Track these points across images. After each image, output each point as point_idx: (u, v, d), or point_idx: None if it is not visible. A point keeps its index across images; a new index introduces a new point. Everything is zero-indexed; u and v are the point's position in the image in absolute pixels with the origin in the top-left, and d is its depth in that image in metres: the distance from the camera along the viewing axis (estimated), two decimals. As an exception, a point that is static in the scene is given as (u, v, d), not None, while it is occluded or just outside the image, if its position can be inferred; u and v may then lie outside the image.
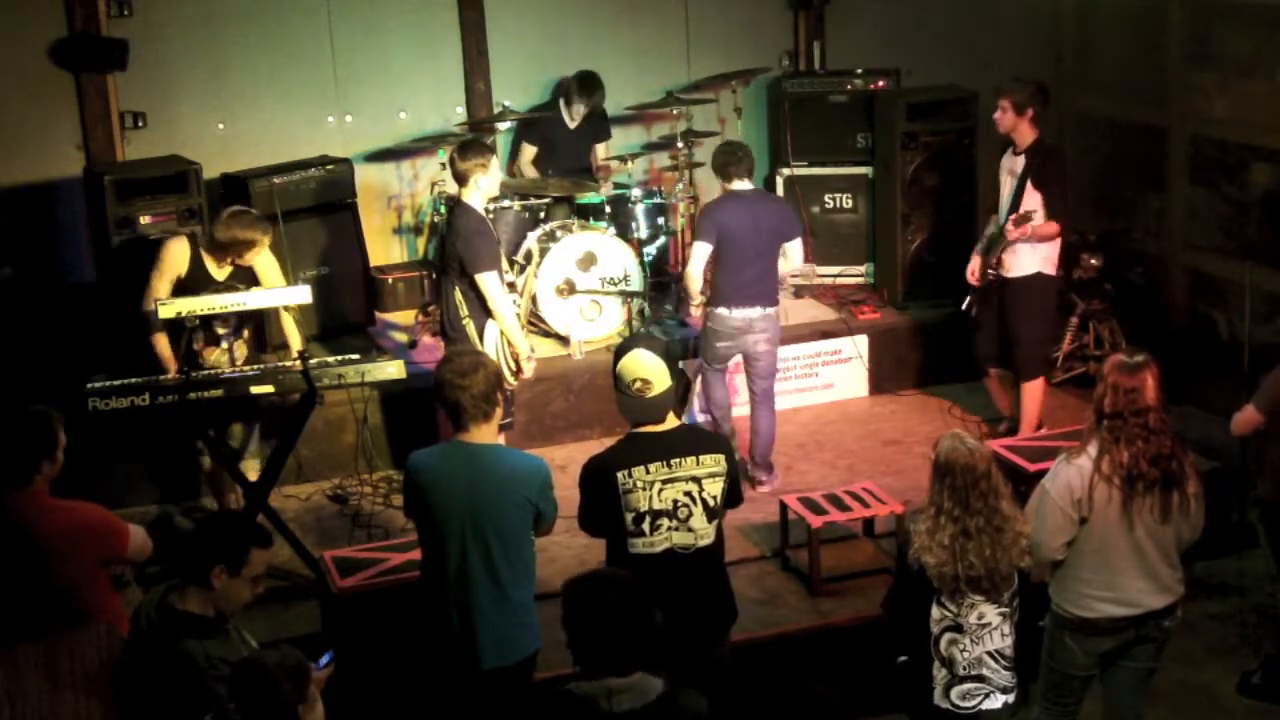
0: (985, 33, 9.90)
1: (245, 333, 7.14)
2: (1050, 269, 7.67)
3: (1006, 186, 7.67)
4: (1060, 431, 7.19)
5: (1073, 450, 5.07)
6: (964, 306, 7.92)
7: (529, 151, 9.35)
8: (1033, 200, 7.49)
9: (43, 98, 8.57)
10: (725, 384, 7.88)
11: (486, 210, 7.09)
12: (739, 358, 7.65)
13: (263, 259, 7.03)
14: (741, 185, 7.46)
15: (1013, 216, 7.39)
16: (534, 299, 8.36)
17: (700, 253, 7.38)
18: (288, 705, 3.79)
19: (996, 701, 4.86)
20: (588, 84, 9.14)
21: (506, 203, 8.57)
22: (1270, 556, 6.26)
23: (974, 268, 7.78)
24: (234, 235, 6.89)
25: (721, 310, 7.48)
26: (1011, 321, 7.73)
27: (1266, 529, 6.24)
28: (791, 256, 7.55)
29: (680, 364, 5.66)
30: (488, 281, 6.82)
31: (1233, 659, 6.48)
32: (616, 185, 9.05)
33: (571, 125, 9.28)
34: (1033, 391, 7.82)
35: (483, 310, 6.90)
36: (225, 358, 6.96)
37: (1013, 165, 7.63)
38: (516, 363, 7.04)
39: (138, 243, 7.66)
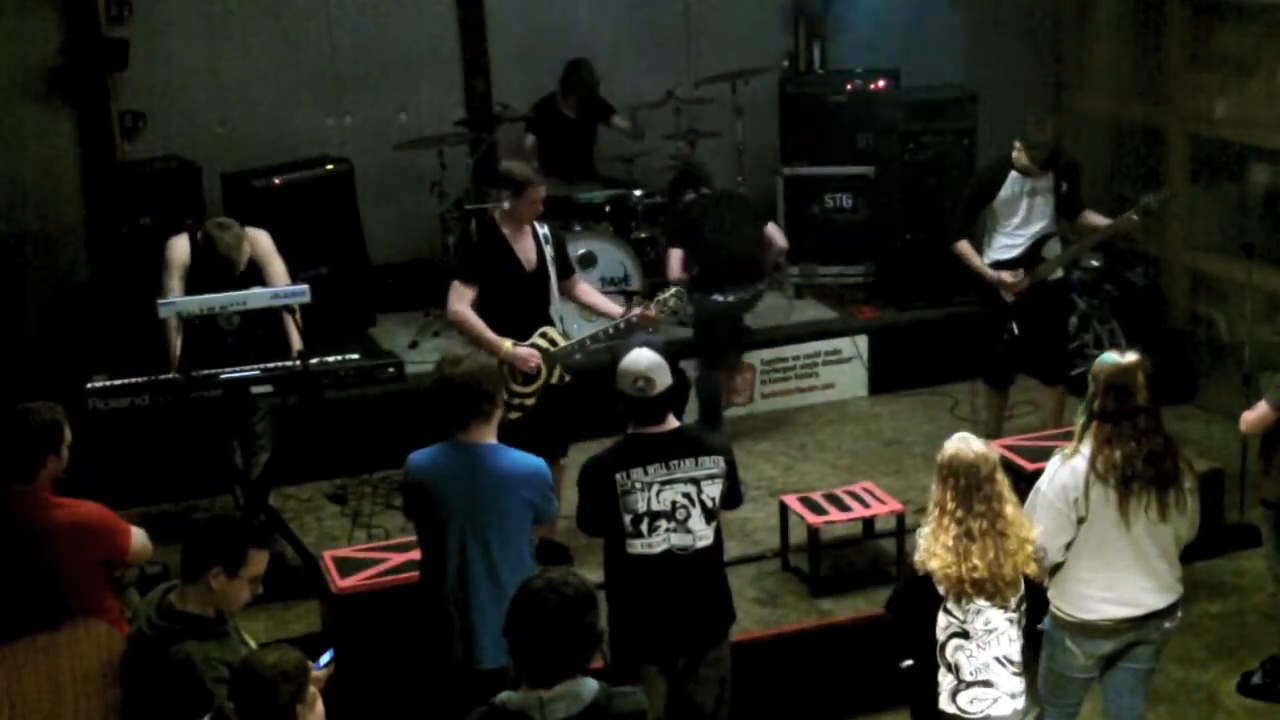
0: (985, 33, 9.89)
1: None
2: None
3: (1033, 205, 7.41)
4: (1060, 431, 7.18)
5: (1066, 450, 5.06)
6: (1016, 330, 7.52)
7: (530, 142, 9.36)
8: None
9: (43, 98, 8.58)
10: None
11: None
12: None
13: (267, 254, 7.02)
14: None
15: (1151, 212, 7.34)
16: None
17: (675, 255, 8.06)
18: (287, 706, 3.78)
19: (1005, 708, 4.81)
20: (572, 73, 9.19)
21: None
22: (1273, 556, 6.24)
23: (1016, 280, 7.44)
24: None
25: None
26: (1049, 324, 7.65)
27: (1272, 528, 6.21)
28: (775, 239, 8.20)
29: (680, 364, 5.67)
30: (451, 288, 6.77)
31: (1233, 659, 6.49)
32: (617, 185, 9.06)
33: (571, 115, 9.30)
34: (1061, 394, 7.75)
35: (488, 312, 6.88)
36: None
37: (1031, 185, 7.40)
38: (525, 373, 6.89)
39: (139, 241, 7.66)
